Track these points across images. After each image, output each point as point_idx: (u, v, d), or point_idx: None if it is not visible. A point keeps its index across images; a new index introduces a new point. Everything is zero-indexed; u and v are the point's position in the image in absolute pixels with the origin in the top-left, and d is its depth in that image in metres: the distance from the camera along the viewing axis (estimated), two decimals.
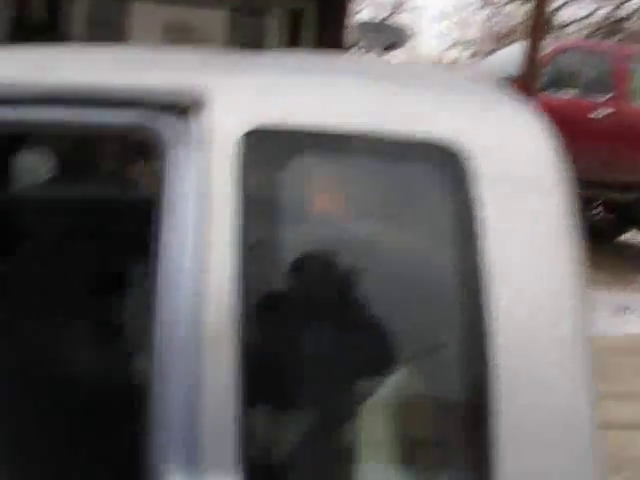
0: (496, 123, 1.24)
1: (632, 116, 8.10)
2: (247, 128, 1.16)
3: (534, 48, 5.95)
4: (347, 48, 10.41)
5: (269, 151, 1.20)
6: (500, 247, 1.15)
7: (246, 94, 1.22)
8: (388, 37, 8.87)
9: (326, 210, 1.26)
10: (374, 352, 1.20)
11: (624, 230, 9.82)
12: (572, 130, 7.93)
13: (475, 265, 1.14)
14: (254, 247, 1.15)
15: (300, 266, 1.20)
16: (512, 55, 6.32)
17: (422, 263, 1.21)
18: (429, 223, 1.24)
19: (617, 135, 7.96)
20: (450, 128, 1.19)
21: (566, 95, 7.99)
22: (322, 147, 1.22)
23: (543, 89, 7.49)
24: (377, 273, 1.21)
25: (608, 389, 3.74)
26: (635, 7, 24.72)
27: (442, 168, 1.19)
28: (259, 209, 1.17)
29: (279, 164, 1.21)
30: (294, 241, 1.23)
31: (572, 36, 25.02)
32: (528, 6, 6.10)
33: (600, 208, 9.61)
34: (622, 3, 25.16)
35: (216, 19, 8.81)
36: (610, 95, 8.13)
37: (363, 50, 11.35)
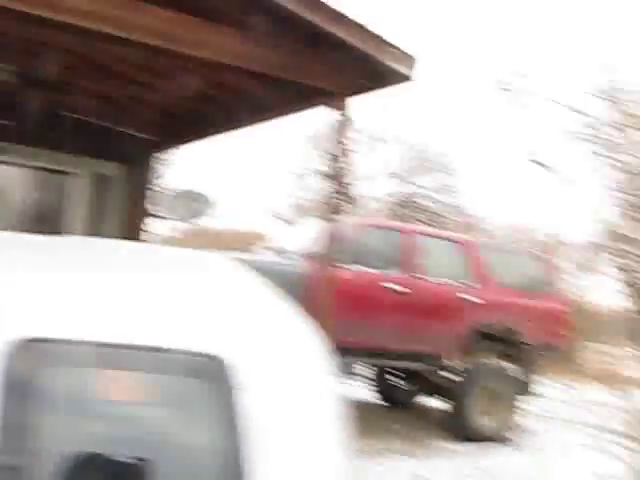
0: (255, 328, 1.23)
1: (422, 291, 8.90)
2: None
3: (329, 224, 6.18)
4: (153, 214, 10.94)
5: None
6: (265, 448, 1.13)
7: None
8: (196, 206, 9.35)
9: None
10: None
11: (416, 396, 10.76)
12: (368, 303, 8.68)
13: (241, 467, 1.11)
14: None
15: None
16: (314, 230, 6.61)
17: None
18: (200, 432, 1.20)
19: (409, 308, 8.72)
20: (218, 341, 1.18)
21: (364, 270, 8.61)
22: (85, 357, 1.19)
23: (342, 264, 7.86)
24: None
25: None
26: (427, 187, 27.34)
27: (210, 380, 1.17)
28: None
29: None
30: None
31: (374, 212, 27.41)
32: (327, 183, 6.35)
33: (394, 376, 10.60)
34: (415, 183, 27.88)
35: (18, 178, 9.15)
36: (403, 270, 8.86)
37: (173, 218, 11.78)
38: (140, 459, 1.15)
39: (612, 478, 6.82)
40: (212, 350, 1.15)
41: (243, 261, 2.47)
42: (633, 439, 6.02)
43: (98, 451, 1.15)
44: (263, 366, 1.17)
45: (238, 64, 5.89)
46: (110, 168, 9.39)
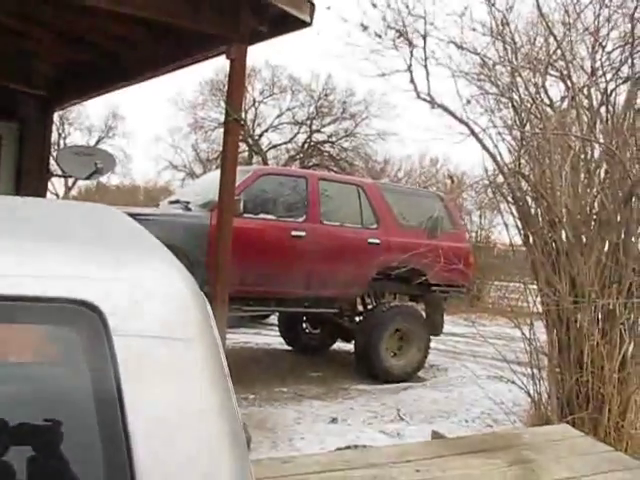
0: (130, 276, 1.21)
1: (324, 235, 8.85)
2: None
3: (229, 174, 6.16)
4: (51, 173, 10.62)
5: None
6: (141, 401, 1.12)
7: None
8: (93, 162, 9.12)
9: None
10: None
11: (331, 342, 10.97)
12: (273, 252, 8.38)
13: (117, 420, 1.11)
14: None
15: None
16: (214, 181, 6.60)
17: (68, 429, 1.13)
18: (73, 380, 1.17)
19: (313, 254, 8.65)
20: (83, 285, 1.15)
21: (265, 218, 8.53)
22: None
23: (244, 213, 7.94)
24: None
25: None
26: (329, 133, 27.72)
27: (78, 325, 1.14)
28: None
29: None
30: None
31: (275, 159, 27.62)
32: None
33: (307, 324, 10.66)
34: (318, 130, 28.16)
35: None
36: (305, 216, 8.83)
37: (68, 176, 11.50)
38: (24, 419, 1.12)
39: (513, 404, 7.14)
40: (86, 297, 1.13)
41: (135, 214, 2.45)
42: (533, 367, 6.29)
43: None
44: (138, 314, 1.17)
45: (121, 10, 5.70)
46: (3, 127, 9.05)
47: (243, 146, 25.67)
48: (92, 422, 1.10)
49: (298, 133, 28.93)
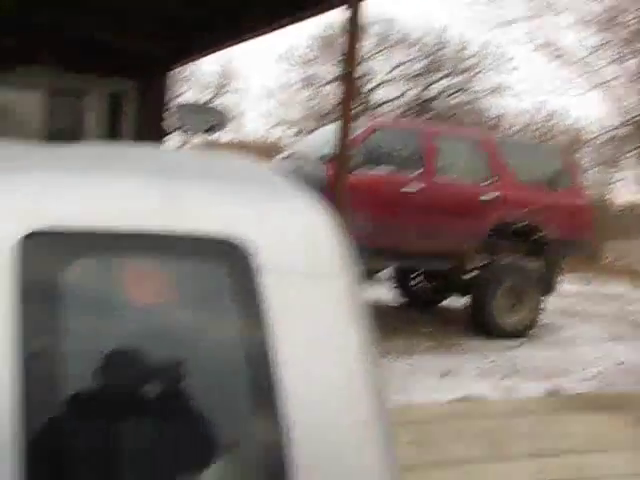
0: (277, 216, 1.26)
1: (440, 190, 8.75)
2: (23, 232, 1.12)
3: (346, 128, 6.08)
4: (168, 130, 10.72)
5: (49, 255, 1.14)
6: (288, 336, 1.16)
7: (21, 196, 1.18)
8: (209, 119, 9.23)
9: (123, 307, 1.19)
10: (192, 445, 1.16)
11: (445, 296, 10.74)
12: (388, 205, 8.37)
13: (265, 355, 1.14)
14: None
15: (106, 363, 1.13)
16: (329, 134, 6.51)
17: (222, 357, 1.19)
18: (222, 315, 1.21)
19: (428, 208, 8.62)
20: (233, 223, 1.19)
21: (381, 172, 8.44)
22: (104, 248, 1.17)
23: (360, 166, 7.89)
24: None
25: (423, 458, 3.80)
26: (441, 89, 26.70)
27: (227, 262, 1.18)
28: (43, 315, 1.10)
29: (61, 267, 1.14)
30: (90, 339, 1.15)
31: (386, 115, 26.82)
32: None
33: (421, 277, 10.56)
34: (429, 85, 27.22)
35: (33, 101, 8.93)
36: (421, 170, 8.70)
37: (185, 132, 11.61)
38: (174, 355, 1.17)
39: (633, 365, 6.94)
40: (234, 234, 1.17)
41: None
42: None
43: (127, 349, 1.16)
44: (284, 251, 1.21)
45: None
46: (124, 86, 9.32)
47: (356, 100, 25.57)
48: (240, 355, 1.15)
49: (410, 89, 28.58)
